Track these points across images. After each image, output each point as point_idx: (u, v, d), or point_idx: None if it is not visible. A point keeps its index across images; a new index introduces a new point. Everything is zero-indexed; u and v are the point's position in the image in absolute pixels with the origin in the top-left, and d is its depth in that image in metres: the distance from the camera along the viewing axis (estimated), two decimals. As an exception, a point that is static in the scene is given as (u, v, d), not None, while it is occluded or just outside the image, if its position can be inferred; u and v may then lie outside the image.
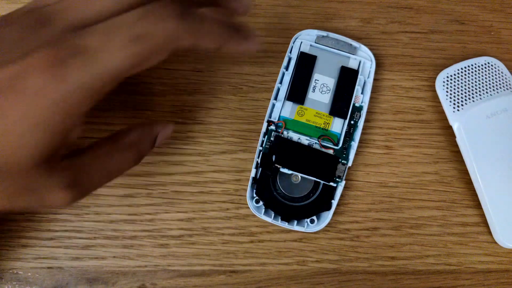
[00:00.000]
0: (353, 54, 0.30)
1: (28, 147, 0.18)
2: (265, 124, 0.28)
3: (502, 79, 0.31)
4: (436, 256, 0.29)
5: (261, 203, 0.28)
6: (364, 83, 0.30)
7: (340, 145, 0.29)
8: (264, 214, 0.28)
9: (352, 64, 0.30)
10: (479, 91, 0.31)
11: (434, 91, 0.31)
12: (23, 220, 0.28)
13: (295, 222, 0.28)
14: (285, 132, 0.28)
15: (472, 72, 0.31)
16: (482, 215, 0.30)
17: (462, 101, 0.30)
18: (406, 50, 0.33)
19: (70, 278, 0.27)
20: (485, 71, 0.31)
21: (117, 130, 0.24)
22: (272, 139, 0.28)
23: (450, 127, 0.30)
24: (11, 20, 0.19)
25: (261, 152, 0.28)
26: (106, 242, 0.28)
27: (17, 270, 0.27)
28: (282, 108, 0.29)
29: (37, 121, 0.18)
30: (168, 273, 0.28)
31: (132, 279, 0.28)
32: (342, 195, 0.30)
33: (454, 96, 0.31)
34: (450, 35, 0.34)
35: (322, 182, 0.28)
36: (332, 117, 0.29)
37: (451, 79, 0.31)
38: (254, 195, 0.28)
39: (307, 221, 0.28)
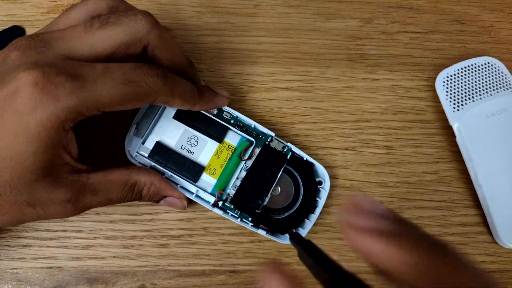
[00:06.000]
0: None
1: (27, 163, 0.20)
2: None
3: (502, 79, 0.31)
4: (436, 256, 0.29)
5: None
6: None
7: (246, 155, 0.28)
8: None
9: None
10: (479, 91, 0.31)
11: (434, 91, 0.31)
12: (23, 220, 0.28)
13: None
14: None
15: (472, 72, 0.31)
16: (482, 215, 0.30)
17: (462, 101, 0.30)
18: (406, 50, 0.33)
19: (70, 278, 0.27)
20: (485, 71, 0.31)
21: (135, 166, 0.25)
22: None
23: (450, 127, 0.30)
24: (15, 45, 0.21)
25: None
26: (106, 242, 0.28)
27: (17, 270, 0.27)
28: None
29: (30, 138, 0.19)
30: (168, 273, 0.28)
31: (132, 279, 0.28)
32: (341, 195, 0.30)
33: (454, 96, 0.31)
34: (450, 35, 0.34)
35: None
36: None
37: (451, 79, 0.31)
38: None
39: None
